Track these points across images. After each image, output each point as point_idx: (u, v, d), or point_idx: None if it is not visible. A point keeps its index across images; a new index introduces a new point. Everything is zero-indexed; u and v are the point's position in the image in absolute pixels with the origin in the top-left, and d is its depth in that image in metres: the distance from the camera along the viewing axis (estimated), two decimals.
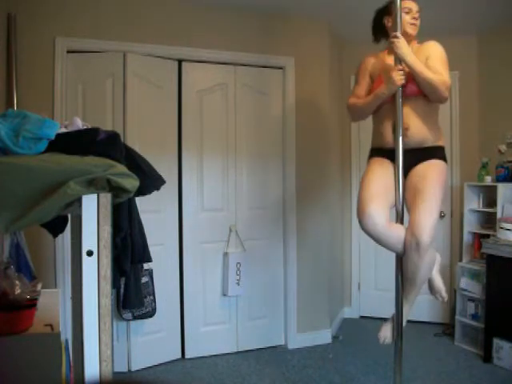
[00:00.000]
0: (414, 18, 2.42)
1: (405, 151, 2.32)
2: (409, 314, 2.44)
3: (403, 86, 2.31)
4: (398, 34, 2.30)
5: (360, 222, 2.27)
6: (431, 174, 2.31)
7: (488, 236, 3.48)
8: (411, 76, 2.29)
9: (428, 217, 2.20)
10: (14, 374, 1.31)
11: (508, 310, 3.16)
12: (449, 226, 4.13)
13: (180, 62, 3.43)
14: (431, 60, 2.33)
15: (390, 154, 2.38)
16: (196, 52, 3.41)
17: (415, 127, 2.35)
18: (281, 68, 3.69)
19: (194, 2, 3.38)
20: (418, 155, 2.36)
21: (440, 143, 2.43)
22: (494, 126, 3.96)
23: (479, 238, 3.63)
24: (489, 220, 3.74)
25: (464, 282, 3.60)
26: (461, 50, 4.03)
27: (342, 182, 4.37)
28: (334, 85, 4.03)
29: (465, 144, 4.08)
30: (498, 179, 3.65)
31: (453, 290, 3.84)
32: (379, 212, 2.22)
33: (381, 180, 2.35)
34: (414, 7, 2.43)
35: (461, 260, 3.80)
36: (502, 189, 3.52)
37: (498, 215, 3.48)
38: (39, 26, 3.00)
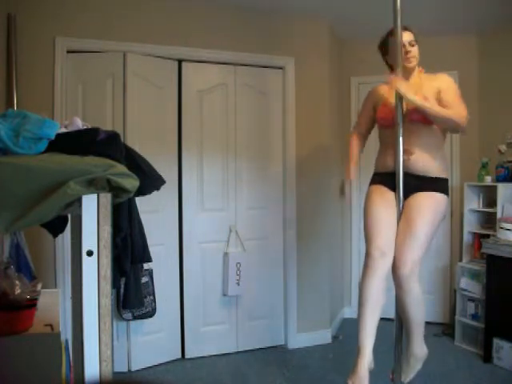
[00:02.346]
0: (407, 52, 2.38)
1: (406, 174, 2.31)
2: (417, 354, 2.38)
3: (407, 115, 2.33)
4: (392, 76, 2.30)
5: (369, 256, 2.28)
6: (427, 209, 2.27)
7: (488, 236, 3.48)
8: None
9: (411, 251, 2.20)
10: (14, 373, 1.31)
11: (508, 309, 3.16)
12: (449, 226, 4.13)
13: (180, 61, 3.43)
14: (444, 93, 2.32)
15: (391, 179, 2.35)
16: (196, 52, 3.41)
17: (419, 154, 2.33)
18: (281, 68, 3.69)
19: (193, 1, 3.38)
20: (419, 182, 2.32)
21: (443, 175, 2.38)
22: (494, 126, 3.95)
23: (479, 237, 3.63)
24: (489, 220, 3.74)
25: (464, 282, 3.60)
26: (461, 49, 4.04)
27: (342, 184, 4.36)
28: (334, 85, 4.03)
29: (465, 144, 4.08)
30: (498, 179, 3.65)
31: (453, 290, 3.84)
32: (389, 258, 2.25)
33: (384, 215, 2.33)
34: (408, 37, 2.38)
35: (461, 260, 3.80)
36: (502, 189, 3.52)
37: (498, 215, 3.48)
38: (39, 26, 3.00)
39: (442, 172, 2.38)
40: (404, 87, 2.26)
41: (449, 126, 2.34)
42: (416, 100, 2.24)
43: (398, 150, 2.31)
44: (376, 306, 2.24)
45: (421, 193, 2.31)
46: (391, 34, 2.41)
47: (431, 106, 2.26)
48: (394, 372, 2.41)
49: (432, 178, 2.34)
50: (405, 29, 2.38)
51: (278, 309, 3.75)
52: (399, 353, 2.38)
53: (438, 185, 2.34)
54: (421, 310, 2.29)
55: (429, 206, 2.28)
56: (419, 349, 2.37)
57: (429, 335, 3.82)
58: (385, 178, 2.41)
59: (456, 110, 2.28)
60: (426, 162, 2.33)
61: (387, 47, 2.46)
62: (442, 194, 2.34)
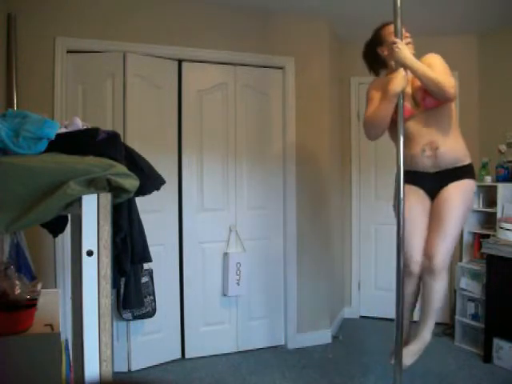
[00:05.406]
0: (407, 37, 2.39)
1: (433, 173, 2.29)
2: (426, 338, 2.43)
3: (421, 103, 2.30)
4: (397, 39, 2.27)
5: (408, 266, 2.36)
6: (457, 198, 2.28)
7: (488, 236, 3.48)
8: (427, 90, 2.28)
9: (443, 242, 2.25)
10: (14, 373, 1.31)
11: (508, 309, 3.16)
12: None
13: (180, 61, 3.43)
14: (433, 68, 2.30)
15: (421, 179, 2.33)
16: (196, 52, 3.41)
17: (445, 145, 2.28)
18: (281, 68, 3.69)
19: (193, 1, 3.38)
20: (447, 176, 2.30)
21: (469, 161, 2.36)
22: (494, 125, 3.95)
23: (479, 237, 3.63)
24: (489, 220, 3.73)
25: (464, 282, 3.60)
26: (461, 49, 4.03)
27: (342, 180, 4.37)
28: (333, 85, 4.03)
29: (465, 144, 4.07)
30: (498, 179, 3.65)
31: (453, 290, 3.84)
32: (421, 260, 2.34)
33: (420, 220, 2.35)
34: (403, 30, 2.42)
35: (461, 260, 3.80)
36: (502, 189, 3.52)
37: (498, 215, 3.48)
38: (39, 26, 3.00)
39: (467, 156, 2.35)
40: (406, 53, 2.23)
41: (437, 91, 2.24)
42: (415, 64, 2.23)
43: (398, 152, 2.28)
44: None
45: (450, 185, 2.30)
46: (384, 26, 2.45)
47: (426, 68, 2.24)
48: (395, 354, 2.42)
49: (460, 167, 2.32)
50: (389, 23, 2.41)
51: (278, 309, 3.75)
52: (399, 355, 2.37)
53: (466, 172, 2.32)
54: (443, 297, 2.39)
55: (459, 199, 2.29)
56: (429, 333, 2.44)
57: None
58: (414, 178, 2.36)
59: (445, 76, 2.25)
60: (454, 154, 2.31)
61: (381, 42, 2.45)
62: (470, 180, 2.34)
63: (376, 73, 2.57)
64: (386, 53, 2.44)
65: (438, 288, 2.33)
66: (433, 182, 2.33)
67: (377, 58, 2.51)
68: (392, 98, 2.26)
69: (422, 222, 2.35)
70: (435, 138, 2.29)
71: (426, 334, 2.42)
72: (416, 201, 2.36)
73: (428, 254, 2.29)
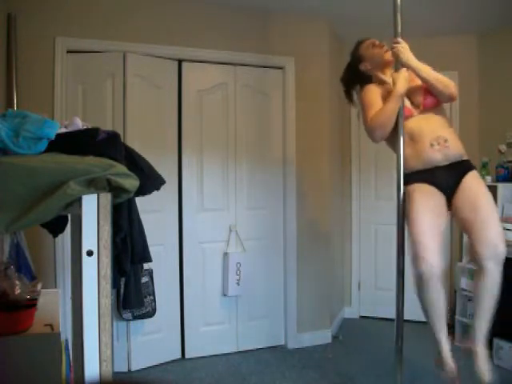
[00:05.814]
0: (383, 46, 2.46)
1: (443, 167, 2.28)
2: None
3: (422, 101, 2.33)
4: (399, 39, 2.29)
5: (416, 267, 2.22)
6: (481, 186, 2.29)
7: None
8: (427, 89, 2.31)
9: (500, 230, 2.20)
10: (14, 373, 1.31)
11: (508, 310, 3.16)
12: (449, 226, 4.12)
13: (180, 61, 3.43)
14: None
15: (431, 176, 2.29)
16: (196, 52, 3.41)
17: (453, 139, 2.31)
18: (281, 68, 3.69)
19: (193, 1, 3.38)
20: (458, 169, 2.30)
21: (467, 157, 2.40)
22: (493, 126, 3.95)
23: None
24: None
25: (464, 282, 3.59)
26: (461, 49, 4.04)
27: (342, 180, 4.37)
28: (333, 85, 4.02)
29: (465, 144, 4.04)
30: (498, 179, 3.65)
31: (453, 291, 3.84)
32: (437, 261, 2.19)
33: (431, 218, 2.25)
34: (376, 41, 2.50)
35: (461, 260, 3.80)
36: (502, 189, 3.52)
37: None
38: (39, 26, 3.00)
39: (465, 152, 2.37)
40: (408, 54, 2.29)
41: (442, 91, 2.29)
42: (418, 65, 2.28)
43: (398, 152, 2.29)
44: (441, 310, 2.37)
45: (465, 179, 2.28)
46: (358, 44, 2.54)
47: (430, 69, 2.30)
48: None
49: (465, 160, 2.34)
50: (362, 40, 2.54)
51: (278, 309, 3.75)
52: (400, 353, 2.38)
53: (471, 165, 2.35)
54: None
55: (479, 184, 2.30)
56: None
57: (429, 335, 3.83)
58: (423, 175, 2.32)
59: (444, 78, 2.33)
60: (460, 147, 2.33)
61: (362, 58, 2.51)
62: (476, 171, 2.37)
63: (351, 99, 2.64)
64: (370, 66, 2.50)
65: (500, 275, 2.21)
66: (445, 176, 2.29)
67: (360, 76, 2.55)
68: (398, 99, 2.28)
69: (433, 221, 2.25)
70: (440, 133, 2.30)
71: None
72: (426, 198, 2.29)
73: (497, 247, 2.14)
